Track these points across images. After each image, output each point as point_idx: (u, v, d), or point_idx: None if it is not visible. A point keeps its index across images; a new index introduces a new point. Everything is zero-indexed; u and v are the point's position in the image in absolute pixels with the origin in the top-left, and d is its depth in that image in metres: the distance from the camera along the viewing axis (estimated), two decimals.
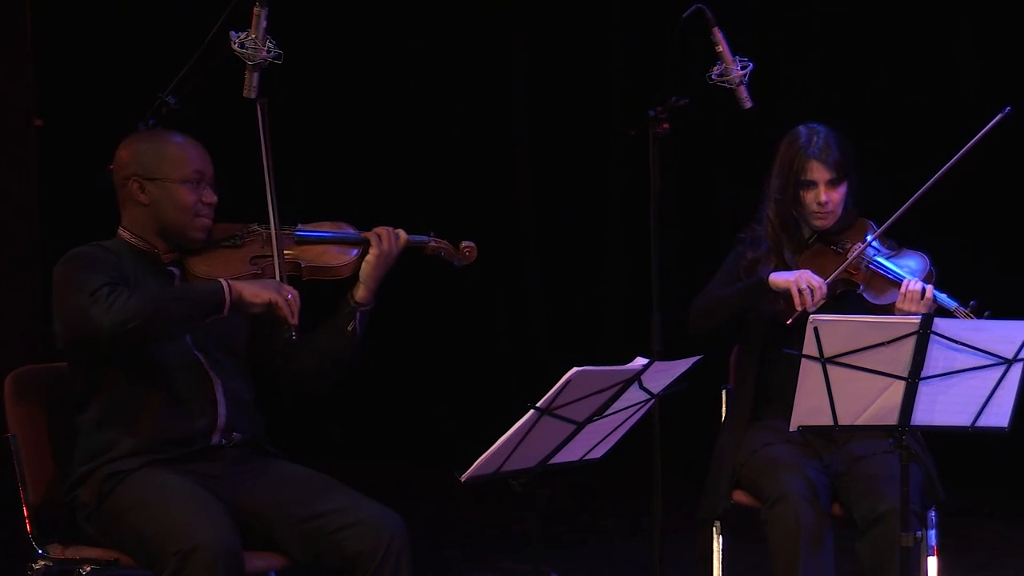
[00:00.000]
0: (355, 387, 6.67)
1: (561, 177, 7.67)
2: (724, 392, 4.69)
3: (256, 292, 3.83)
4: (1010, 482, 6.73)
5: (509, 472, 3.66)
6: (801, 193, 4.49)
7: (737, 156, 7.11)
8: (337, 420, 7.86)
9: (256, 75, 4.04)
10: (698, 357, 3.74)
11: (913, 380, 3.83)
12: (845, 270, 4.40)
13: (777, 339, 4.41)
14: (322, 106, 7.78)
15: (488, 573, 5.95)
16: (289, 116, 6.97)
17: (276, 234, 3.95)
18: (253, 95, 4.04)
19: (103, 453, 3.85)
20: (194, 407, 3.91)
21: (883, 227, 4.44)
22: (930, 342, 3.80)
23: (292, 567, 3.91)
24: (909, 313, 4.25)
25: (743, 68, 4.27)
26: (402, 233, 4.10)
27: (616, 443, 3.86)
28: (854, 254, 4.42)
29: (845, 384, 3.84)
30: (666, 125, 4.27)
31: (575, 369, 3.52)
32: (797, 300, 4.32)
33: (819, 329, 3.80)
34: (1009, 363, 3.84)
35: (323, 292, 4.07)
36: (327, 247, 4.06)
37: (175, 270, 3.97)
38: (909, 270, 4.43)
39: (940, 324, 3.80)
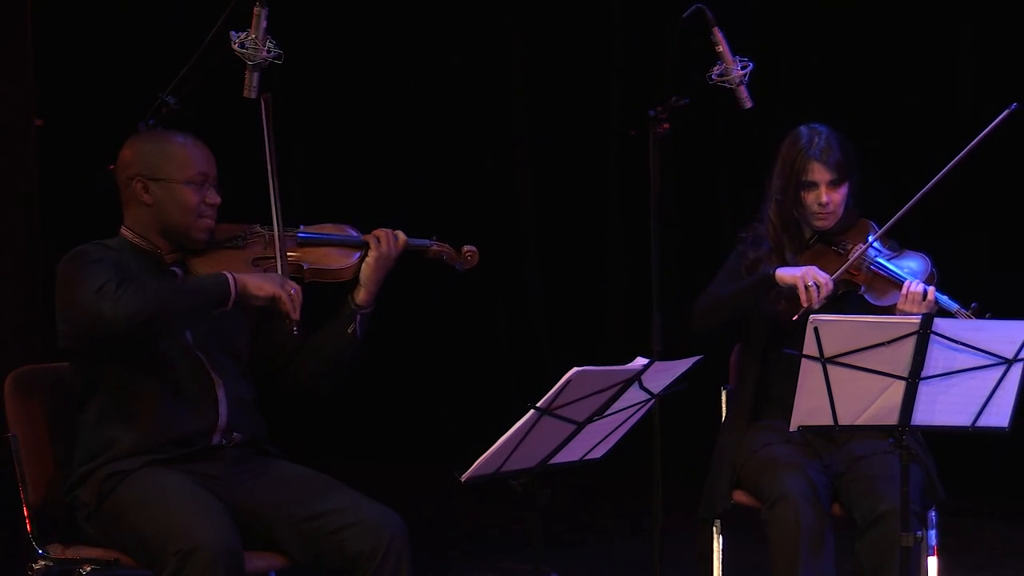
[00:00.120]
0: (355, 387, 6.66)
1: (561, 177, 7.67)
2: (724, 392, 4.69)
3: (260, 285, 3.84)
4: (1010, 482, 6.73)
5: (509, 472, 3.66)
6: (802, 194, 4.49)
7: (737, 156, 7.11)
8: (337, 420, 7.86)
9: (256, 75, 4.04)
10: (698, 357, 3.74)
11: (913, 380, 3.83)
12: (847, 271, 4.40)
13: (777, 339, 4.41)
14: (321, 106, 7.78)
15: (488, 573, 5.95)
16: (288, 116, 6.96)
17: (279, 233, 3.95)
18: (253, 95, 4.04)
19: (103, 452, 3.85)
20: (196, 407, 3.91)
21: (885, 227, 4.44)
22: (930, 342, 3.80)
23: (292, 567, 3.91)
24: (910, 314, 4.25)
25: (743, 68, 4.27)
26: (401, 235, 4.10)
27: (616, 443, 3.86)
28: (855, 255, 4.42)
29: (845, 384, 3.84)
30: (666, 125, 4.27)
31: (575, 369, 3.52)
32: (804, 296, 4.32)
33: (819, 329, 3.80)
34: (1009, 363, 3.84)
35: (324, 294, 4.07)
36: (329, 249, 4.06)
37: (178, 270, 3.97)
38: (910, 271, 4.42)
39: (940, 324, 3.80)
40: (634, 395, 3.71)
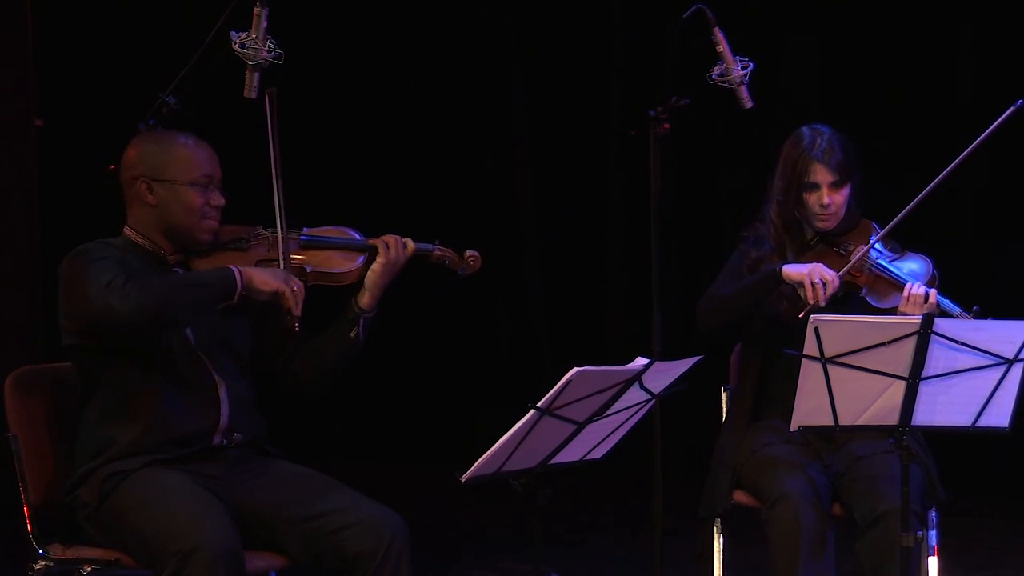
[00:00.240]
0: (355, 387, 6.66)
1: (561, 177, 7.66)
2: (724, 392, 4.69)
3: (265, 280, 3.85)
4: (1010, 482, 6.72)
5: (510, 472, 3.66)
6: (804, 195, 4.48)
7: (737, 156, 7.11)
8: (337, 420, 7.86)
9: (256, 75, 4.04)
10: (698, 357, 3.74)
11: (914, 380, 3.83)
12: (848, 272, 4.40)
13: (778, 339, 4.41)
14: (321, 106, 7.77)
15: (488, 573, 5.94)
16: (288, 116, 6.95)
17: (282, 233, 3.95)
18: (253, 95, 4.04)
19: (104, 451, 3.85)
20: (197, 408, 3.91)
21: (887, 228, 4.43)
22: (931, 342, 3.80)
23: (292, 567, 3.91)
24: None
25: (743, 68, 4.27)
26: (410, 242, 4.10)
27: (617, 443, 3.86)
28: (857, 256, 4.41)
29: (846, 384, 3.84)
30: (666, 125, 4.26)
31: (575, 369, 3.53)
32: (810, 293, 4.31)
33: (820, 329, 3.80)
34: (1010, 363, 3.84)
35: (327, 297, 4.07)
36: (332, 253, 4.06)
37: (180, 271, 3.97)
38: (912, 273, 4.42)
39: (941, 324, 3.80)
40: (634, 395, 3.71)
